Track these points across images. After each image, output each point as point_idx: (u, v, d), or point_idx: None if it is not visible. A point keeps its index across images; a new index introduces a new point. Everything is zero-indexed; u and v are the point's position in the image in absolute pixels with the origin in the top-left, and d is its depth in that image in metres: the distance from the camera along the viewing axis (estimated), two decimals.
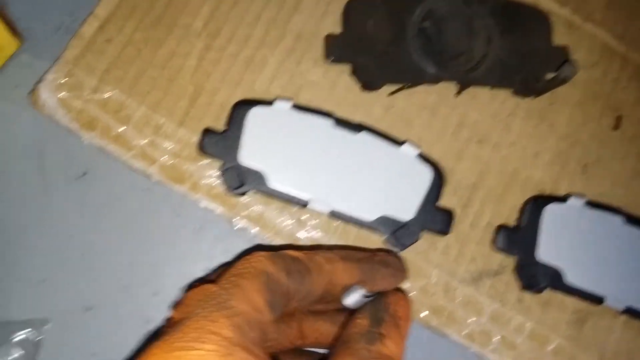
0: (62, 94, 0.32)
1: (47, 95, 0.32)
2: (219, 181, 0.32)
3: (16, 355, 0.29)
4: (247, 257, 0.23)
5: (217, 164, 0.32)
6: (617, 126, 0.37)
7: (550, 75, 0.36)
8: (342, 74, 0.35)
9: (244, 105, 0.32)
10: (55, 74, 0.33)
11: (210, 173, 0.32)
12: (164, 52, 0.34)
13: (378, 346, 0.22)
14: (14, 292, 0.30)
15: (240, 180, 0.31)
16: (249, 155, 0.32)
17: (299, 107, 0.32)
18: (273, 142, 0.32)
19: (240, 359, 0.19)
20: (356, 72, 0.34)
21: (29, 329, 0.29)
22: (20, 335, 0.29)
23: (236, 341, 0.20)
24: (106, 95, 0.33)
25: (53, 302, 0.30)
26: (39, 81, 0.33)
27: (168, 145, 0.32)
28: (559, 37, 0.37)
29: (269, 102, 0.32)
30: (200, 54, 0.34)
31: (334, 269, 0.25)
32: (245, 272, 0.22)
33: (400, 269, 0.28)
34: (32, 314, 0.30)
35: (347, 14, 0.35)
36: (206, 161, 0.32)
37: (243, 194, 0.32)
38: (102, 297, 0.31)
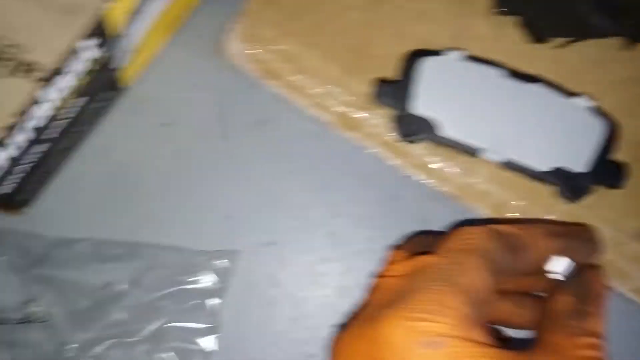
0: (243, 45, 0.34)
1: (229, 46, 0.35)
2: (390, 129, 0.33)
3: (212, 281, 0.32)
4: (464, 232, 0.23)
5: (389, 112, 0.33)
6: None
7: None
8: (509, 25, 0.35)
9: (417, 56, 0.33)
10: (237, 26, 0.35)
11: (382, 122, 0.33)
12: (334, 6, 0.35)
13: (587, 323, 0.22)
14: (206, 227, 0.33)
15: (413, 128, 0.32)
16: (421, 104, 0.32)
17: (471, 58, 0.33)
18: (445, 91, 0.33)
19: (471, 334, 0.20)
20: (526, 24, 0.34)
21: (223, 259, 0.32)
22: (214, 263, 0.32)
23: (465, 317, 0.20)
24: (283, 46, 0.34)
25: (239, 236, 0.33)
26: (222, 32, 0.35)
27: (341, 94, 0.34)
28: None
29: (441, 53, 0.33)
30: (367, 7, 0.35)
31: (544, 245, 0.24)
32: (466, 249, 0.23)
33: (597, 243, 0.27)
34: (221, 246, 0.33)
35: None
36: (378, 110, 0.33)
37: (414, 142, 0.33)
38: (282, 234, 0.33)
